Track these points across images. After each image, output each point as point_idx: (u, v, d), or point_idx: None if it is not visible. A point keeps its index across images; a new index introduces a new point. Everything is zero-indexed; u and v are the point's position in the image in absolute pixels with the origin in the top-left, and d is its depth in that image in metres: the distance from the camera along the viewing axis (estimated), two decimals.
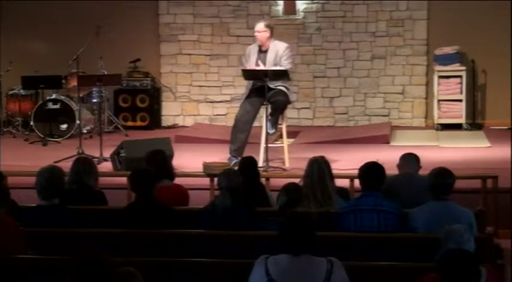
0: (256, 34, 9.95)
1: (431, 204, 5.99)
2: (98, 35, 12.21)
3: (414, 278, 4.75)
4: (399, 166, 7.05)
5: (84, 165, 6.87)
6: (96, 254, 4.02)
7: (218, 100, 13.41)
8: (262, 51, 9.94)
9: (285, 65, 9.84)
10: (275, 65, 9.82)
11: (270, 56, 9.88)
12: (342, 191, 6.89)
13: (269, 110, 9.77)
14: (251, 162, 7.13)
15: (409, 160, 7.04)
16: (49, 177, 6.01)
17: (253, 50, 10.03)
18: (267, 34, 9.91)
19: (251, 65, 9.92)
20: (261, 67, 9.81)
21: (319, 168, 6.47)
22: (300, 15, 13.19)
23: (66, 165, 7.14)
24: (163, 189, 6.59)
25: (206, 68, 13.44)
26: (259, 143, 9.89)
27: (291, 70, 10.00)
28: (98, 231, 5.92)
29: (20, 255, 5.42)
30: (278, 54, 9.88)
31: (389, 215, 6.01)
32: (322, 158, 6.65)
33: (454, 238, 4.97)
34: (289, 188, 6.12)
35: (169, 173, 7.09)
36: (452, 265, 4.15)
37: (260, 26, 9.98)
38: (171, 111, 13.53)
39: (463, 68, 12.61)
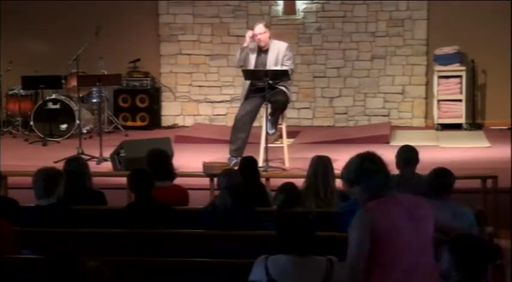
0: (259, 37, 9.81)
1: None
2: (98, 35, 12.20)
3: None
4: (397, 161, 6.98)
5: (78, 166, 6.85)
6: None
7: (218, 100, 13.41)
8: (262, 51, 9.91)
9: (288, 65, 9.81)
10: (276, 65, 9.80)
11: (270, 56, 9.84)
12: (342, 193, 6.88)
13: (269, 110, 9.76)
14: (251, 162, 7.13)
15: (408, 153, 6.99)
16: (47, 177, 6.00)
17: (252, 49, 9.96)
18: (268, 34, 9.89)
19: (251, 65, 9.88)
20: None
21: (324, 166, 6.52)
22: (300, 15, 13.19)
23: None
24: (162, 190, 6.57)
25: (206, 68, 13.43)
26: (259, 143, 9.88)
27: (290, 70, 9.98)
28: (97, 231, 5.91)
29: (11, 255, 5.41)
30: (279, 54, 9.84)
31: None
32: (326, 156, 6.70)
33: None
34: (286, 188, 6.12)
35: (170, 173, 7.08)
36: (465, 245, 4.08)
37: (261, 28, 9.87)
38: (171, 111, 13.53)
39: (463, 68, 12.61)
